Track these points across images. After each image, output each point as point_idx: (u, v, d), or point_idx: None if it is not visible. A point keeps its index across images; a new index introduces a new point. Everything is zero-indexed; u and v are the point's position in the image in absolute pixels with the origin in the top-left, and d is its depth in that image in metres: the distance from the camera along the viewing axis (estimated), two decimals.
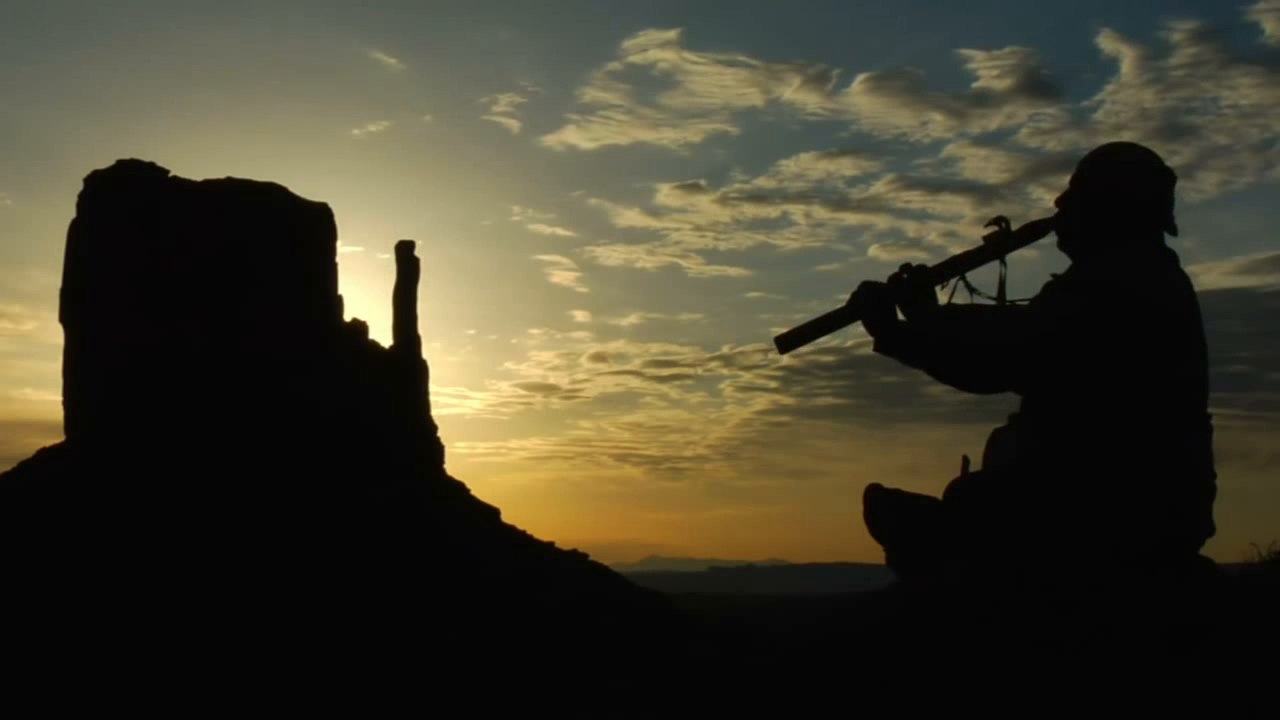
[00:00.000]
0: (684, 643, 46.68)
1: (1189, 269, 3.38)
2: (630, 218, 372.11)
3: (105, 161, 72.94)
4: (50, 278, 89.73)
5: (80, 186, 62.41)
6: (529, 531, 64.07)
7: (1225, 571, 3.39)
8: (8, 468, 58.43)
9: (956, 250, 3.56)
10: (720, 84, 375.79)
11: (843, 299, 3.45)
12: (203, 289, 59.23)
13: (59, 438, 59.97)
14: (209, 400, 57.61)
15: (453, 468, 68.27)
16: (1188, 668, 2.97)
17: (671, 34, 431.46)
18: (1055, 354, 3.21)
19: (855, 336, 3.49)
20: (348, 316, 65.54)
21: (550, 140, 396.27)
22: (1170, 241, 3.40)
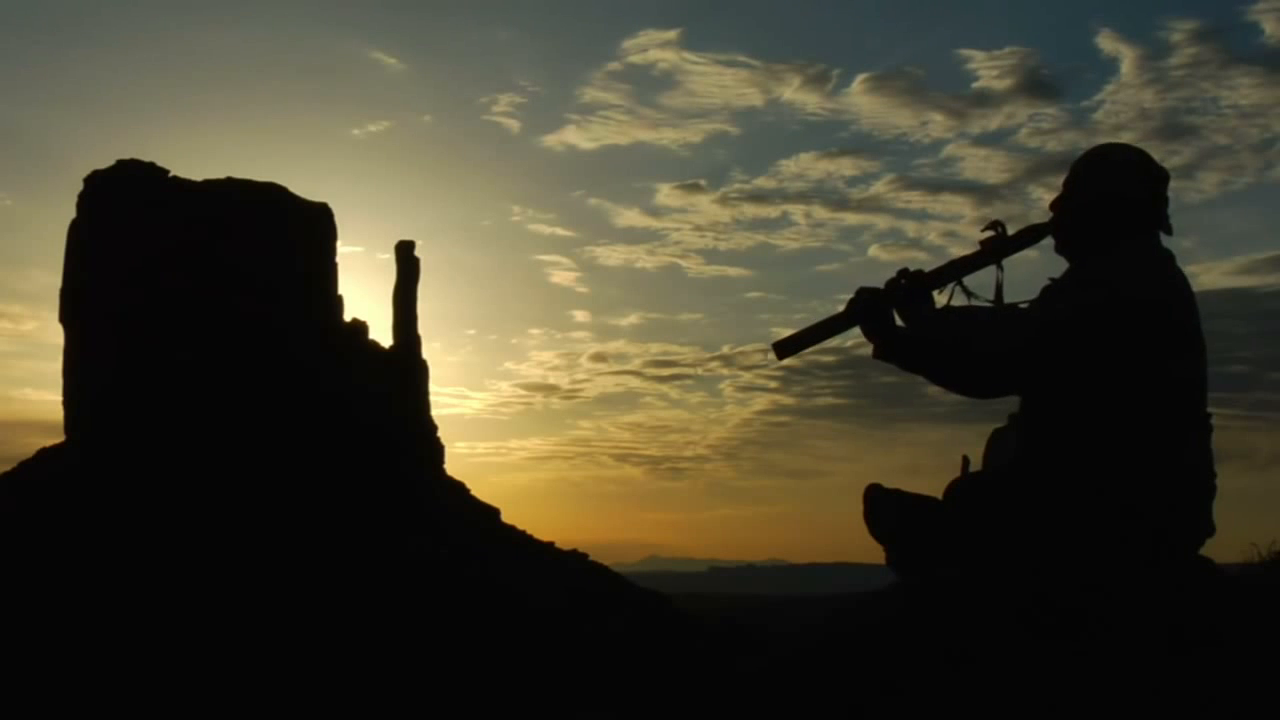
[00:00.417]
0: (684, 643, 46.67)
1: (1189, 269, 3.38)
2: (630, 218, 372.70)
3: (105, 161, 73.02)
4: (50, 278, 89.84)
5: (80, 186, 62.44)
6: (529, 531, 64.15)
7: (1225, 571, 3.39)
8: (8, 468, 58.50)
9: (956, 250, 3.57)
10: (720, 84, 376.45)
11: (843, 299, 3.46)
12: (203, 289, 59.21)
13: (59, 438, 59.99)
14: (209, 400, 57.59)
15: (453, 468, 68.37)
16: (1188, 668, 2.97)
17: (671, 34, 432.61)
18: (1054, 355, 3.21)
19: (855, 337, 3.50)
20: (348, 316, 65.57)
21: (550, 140, 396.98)
22: (1169, 241, 3.40)
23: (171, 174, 62.62)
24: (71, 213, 62.11)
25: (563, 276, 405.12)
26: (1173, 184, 3.45)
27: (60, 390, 60.50)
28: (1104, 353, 3.17)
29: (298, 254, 61.84)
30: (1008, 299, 3.46)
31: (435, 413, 68.20)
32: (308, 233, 63.07)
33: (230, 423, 57.27)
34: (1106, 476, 3.17)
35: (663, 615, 55.92)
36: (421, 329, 69.22)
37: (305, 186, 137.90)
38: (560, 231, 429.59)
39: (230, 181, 62.88)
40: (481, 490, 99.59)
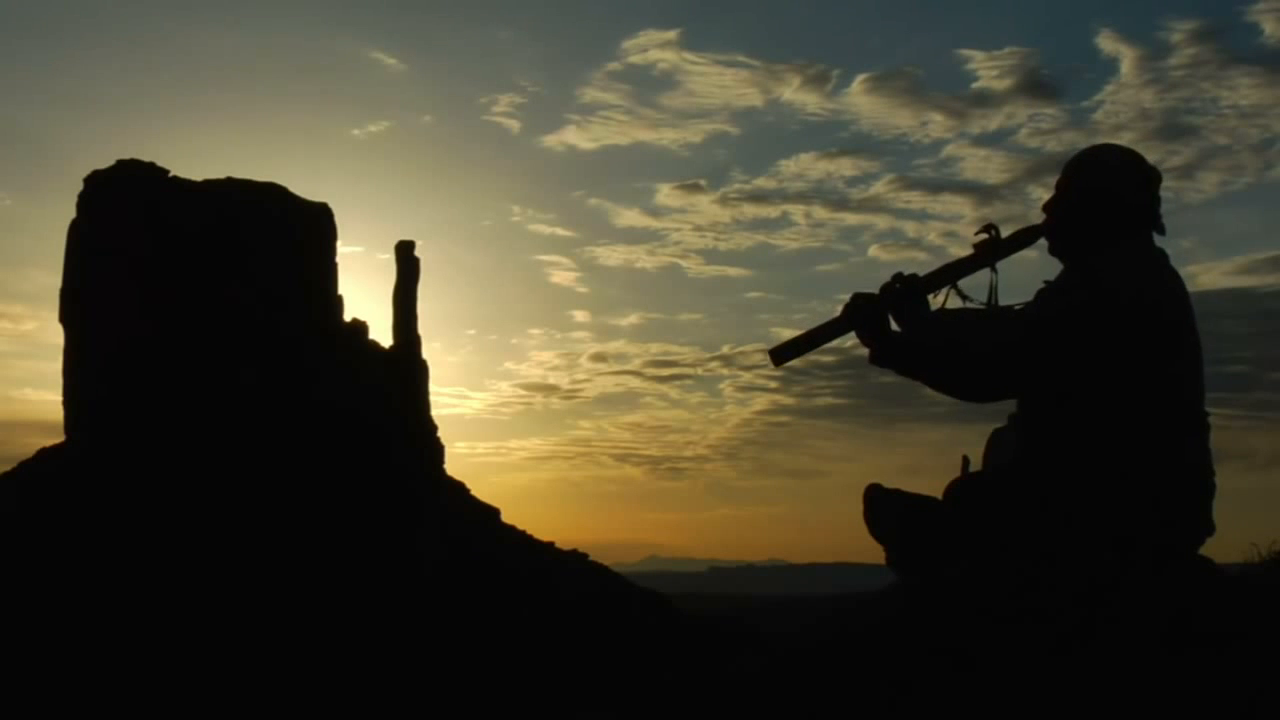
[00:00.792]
0: (684, 643, 46.67)
1: (1189, 269, 3.40)
2: (630, 218, 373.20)
3: (105, 161, 72.90)
4: (50, 278, 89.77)
5: (80, 186, 62.40)
6: (529, 531, 64.13)
7: (1225, 571, 3.39)
8: (8, 468, 58.46)
9: (956, 251, 3.58)
10: (720, 84, 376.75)
11: (842, 299, 3.47)
12: (202, 289, 59.20)
13: (59, 438, 59.96)
14: (208, 400, 57.58)
15: (453, 468, 68.28)
16: (1187, 667, 2.97)
17: (671, 34, 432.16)
18: (1046, 356, 3.21)
19: (855, 338, 3.51)
20: (348, 316, 65.55)
21: (550, 140, 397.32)
22: (1170, 241, 3.41)
23: (171, 174, 62.60)
24: (71, 213, 62.11)
25: (563, 276, 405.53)
26: (1173, 184, 3.47)
27: (60, 390, 60.52)
28: (1098, 352, 3.18)
29: (298, 254, 61.83)
30: (1003, 301, 3.48)
31: (435, 413, 68.23)
32: (308, 233, 63.05)
33: (230, 423, 57.25)
34: (1105, 476, 3.17)
35: (663, 615, 55.91)
36: (421, 329, 69.22)
37: (305, 186, 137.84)
38: (560, 231, 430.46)
39: (230, 181, 62.86)
40: (481, 490, 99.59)
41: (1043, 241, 3.48)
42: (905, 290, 3.44)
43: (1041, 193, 3.43)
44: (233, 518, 52.59)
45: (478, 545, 56.43)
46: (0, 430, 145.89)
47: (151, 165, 62.35)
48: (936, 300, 3.48)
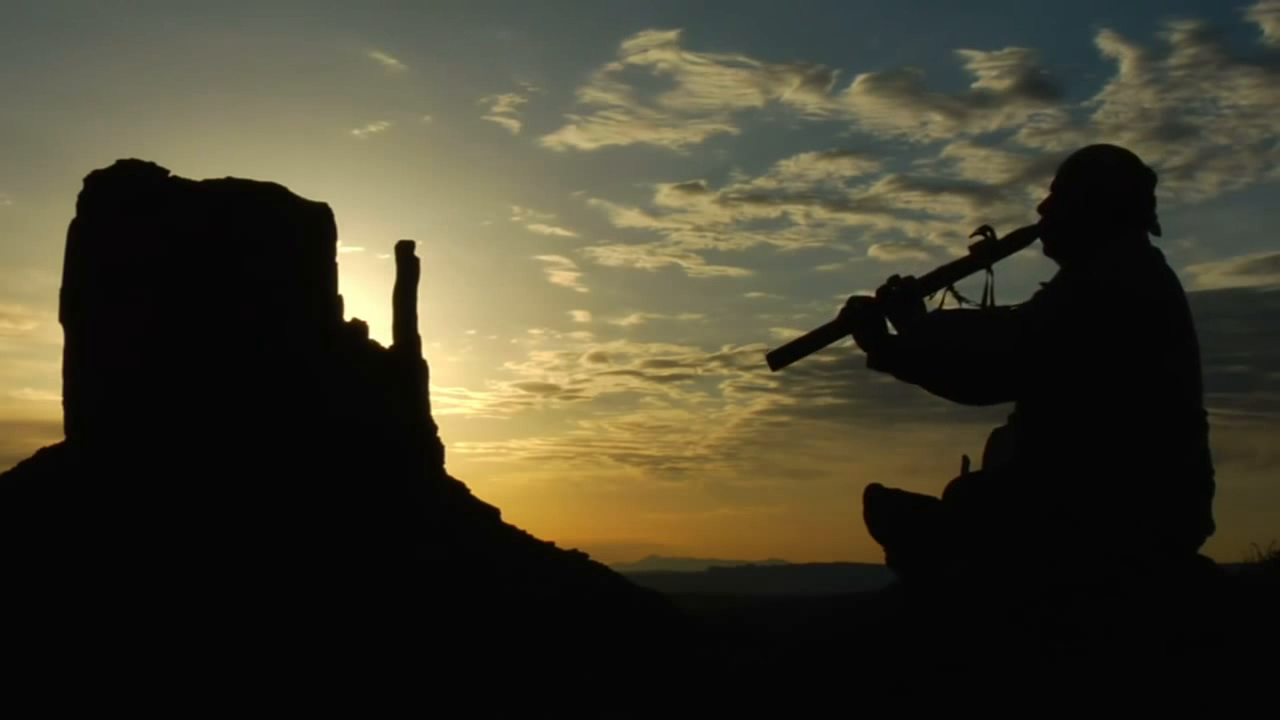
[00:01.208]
0: (684, 643, 46.68)
1: (1188, 269, 3.43)
2: (630, 218, 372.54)
3: (105, 161, 72.96)
4: (50, 278, 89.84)
5: (80, 186, 62.47)
6: (529, 531, 64.12)
7: (1225, 571, 3.39)
8: (8, 468, 58.53)
9: (956, 251, 3.59)
10: (720, 84, 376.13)
11: (842, 299, 3.48)
12: (202, 289, 59.23)
13: (59, 438, 60.01)
14: (209, 400, 57.61)
15: (453, 468, 68.33)
16: (1187, 668, 2.97)
17: (671, 34, 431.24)
18: (1044, 355, 3.22)
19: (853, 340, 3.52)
20: (348, 316, 65.59)
21: (550, 140, 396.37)
22: (1170, 241, 3.42)
23: (171, 174, 62.66)
24: (71, 213, 62.17)
25: (563, 276, 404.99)
26: (1173, 184, 3.49)
27: (60, 390, 60.56)
28: (1095, 350, 3.18)
29: (298, 254, 61.87)
30: (999, 302, 3.48)
31: (435, 413, 68.27)
32: (308, 233, 63.09)
33: (230, 422, 57.29)
34: (1105, 476, 3.17)
35: (663, 615, 55.93)
36: (421, 329, 69.28)
37: (305, 186, 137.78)
38: (560, 231, 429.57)
39: (230, 181, 62.90)
40: (481, 490, 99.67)
41: (1039, 242, 3.48)
42: (902, 293, 3.44)
43: (1041, 193, 3.43)
44: (233, 517, 52.62)
45: (478, 545, 56.44)
46: (0, 430, 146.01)
47: (151, 165, 62.40)
48: (933, 302, 3.48)
